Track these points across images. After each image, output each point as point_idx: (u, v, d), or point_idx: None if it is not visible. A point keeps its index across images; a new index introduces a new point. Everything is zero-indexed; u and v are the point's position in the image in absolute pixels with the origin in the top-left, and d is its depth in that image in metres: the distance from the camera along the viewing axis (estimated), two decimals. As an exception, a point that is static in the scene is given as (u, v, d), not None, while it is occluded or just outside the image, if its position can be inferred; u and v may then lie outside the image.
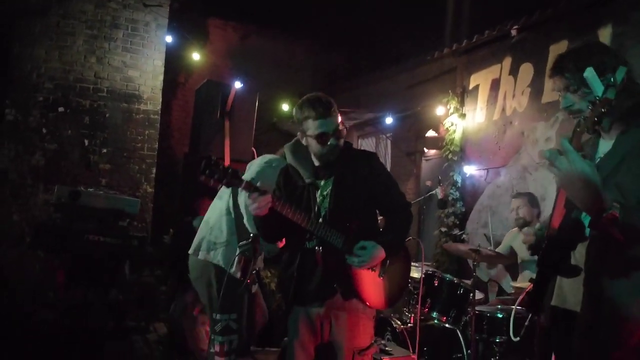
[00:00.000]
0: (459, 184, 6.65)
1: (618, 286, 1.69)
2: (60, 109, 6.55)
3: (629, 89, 1.81)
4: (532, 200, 4.68)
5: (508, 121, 6.07)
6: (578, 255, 1.91)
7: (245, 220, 3.27)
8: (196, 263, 3.54)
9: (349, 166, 2.71)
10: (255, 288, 3.74)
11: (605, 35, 4.96)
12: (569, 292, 2.09)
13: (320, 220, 2.61)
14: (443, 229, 6.63)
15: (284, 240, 2.94)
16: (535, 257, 4.02)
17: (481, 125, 6.47)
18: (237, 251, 3.38)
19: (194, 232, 3.67)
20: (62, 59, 6.58)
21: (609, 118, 1.84)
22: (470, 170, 6.58)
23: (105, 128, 6.75)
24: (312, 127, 2.62)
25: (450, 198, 6.65)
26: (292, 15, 9.21)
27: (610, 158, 1.83)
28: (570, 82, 1.90)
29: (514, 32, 5.93)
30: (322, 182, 2.71)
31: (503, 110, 6.16)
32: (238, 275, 3.41)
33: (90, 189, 5.07)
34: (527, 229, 4.72)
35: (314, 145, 2.66)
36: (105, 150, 6.73)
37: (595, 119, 1.62)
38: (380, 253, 2.60)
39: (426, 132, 7.21)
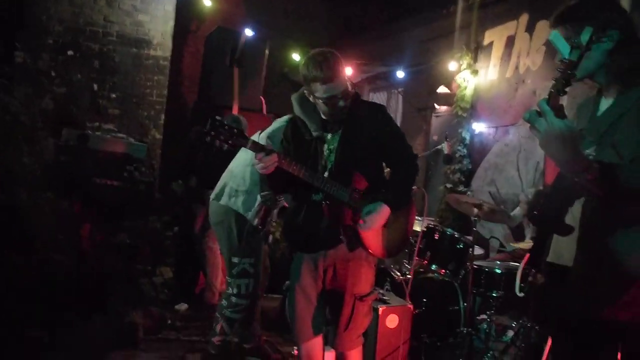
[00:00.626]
0: (467, 141, 6.61)
1: (614, 242, 1.70)
2: (70, 53, 6.52)
3: (628, 49, 1.78)
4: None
5: (521, 79, 5.97)
6: (575, 211, 1.92)
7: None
8: (218, 208, 3.64)
9: (357, 119, 2.71)
10: (269, 239, 3.84)
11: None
12: (564, 248, 2.10)
13: (327, 174, 2.66)
14: (449, 185, 6.63)
15: None
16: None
17: (493, 82, 6.37)
18: (258, 200, 3.46)
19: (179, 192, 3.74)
20: (72, 2, 6.51)
21: (606, 78, 1.83)
22: (480, 127, 6.53)
23: (114, 73, 6.73)
24: (319, 90, 2.60)
25: (457, 155, 6.63)
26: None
27: (607, 117, 1.82)
28: (570, 34, 1.84)
29: (530, -12, 5.76)
30: (330, 136, 2.73)
31: (516, 68, 6.05)
32: (256, 222, 3.49)
33: (98, 133, 5.11)
34: (523, 195, 4.73)
35: (321, 106, 2.67)
36: (114, 95, 6.74)
37: (563, 81, 1.59)
38: (386, 211, 2.65)
39: (438, 88, 7.12)
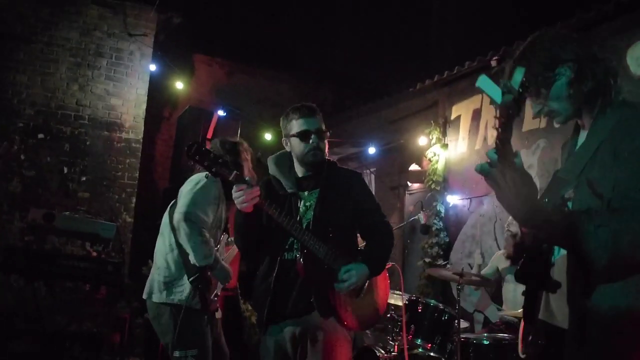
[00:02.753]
0: (442, 214, 6.63)
1: (597, 296, 1.51)
2: (40, 136, 6.45)
3: (587, 72, 1.63)
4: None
5: (490, 150, 6.10)
6: (560, 264, 1.73)
7: (190, 257, 3.15)
8: (151, 305, 3.35)
9: (334, 181, 2.68)
10: (219, 314, 3.59)
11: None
12: (555, 307, 1.85)
13: (304, 226, 2.55)
14: (427, 260, 6.56)
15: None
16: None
17: (463, 154, 6.51)
18: (189, 284, 3.21)
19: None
20: (45, 86, 6.54)
21: (573, 111, 1.68)
22: (454, 200, 6.58)
23: (85, 155, 6.65)
24: (295, 126, 2.62)
25: (433, 228, 6.62)
26: (277, 52, 9.34)
27: (584, 151, 1.66)
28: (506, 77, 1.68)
29: (493, 63, 6.04)
30: (306, 193, 2.66)
31: (485, 139, 6.22)
32: (198, 307, 3.23)
33: (66, 213, 4.94)
34: (507, 235, 4.68)
35: (296, 146, 2.64)
36: (84, 178, 6.61)
37: (499, 130, 1.40)
38: (366, 272, 2.54)
39: (409, 166, 7.24)
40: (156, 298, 3.25)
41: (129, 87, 6.93)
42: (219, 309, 3.52)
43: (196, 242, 3.02)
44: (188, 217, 3.02)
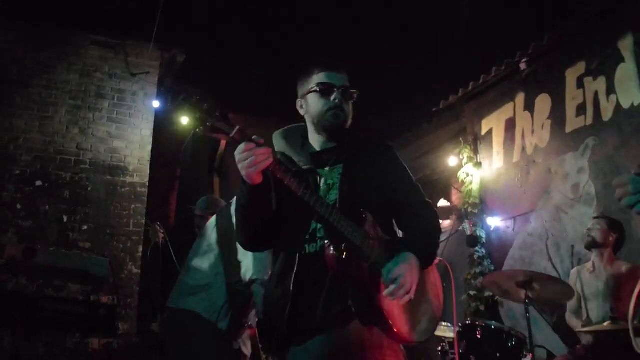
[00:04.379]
0: (484, 240, 5.87)
1: None
2: (38, 183, 5.97)
3: None
4: (613, 225, 3.85)
5: (530, 160, 5.46)
6: None
7: (240, 257, 2.59)
8: (170, 315, 2.81)
9: (360, 154, 2.05)
10: (239, 344, 2.96)
11: (626, 45, 4.51)
12: None
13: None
14: (472, 292, 5.75)
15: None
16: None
17: (500, 170, 5.85)
18: (224, 295, 2.67)
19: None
20: (43, 130, 6.14)
21: None
22: (495, 222, 5.85)
23: (86, 203, 6.13)
24: (315, 80, 2.05)
25: (475, 257, 5.87)
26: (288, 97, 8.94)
27: None
28: None
29: (523, 66, 5.51)
30: (326, 169, 2.03)
31: (523, 149, 5.58)
32: (225, 326, 2.67)
33: (51, 249, 4.32)
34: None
35: (313, 105, 2.04)
36: (86, 227, 6.05)
37: None
38: (415, 264, 1.86)
39: (437, 202, 6.60)
40: (176, 303, 2.86)
41: (133, 128, 6.51)
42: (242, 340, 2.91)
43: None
44: None
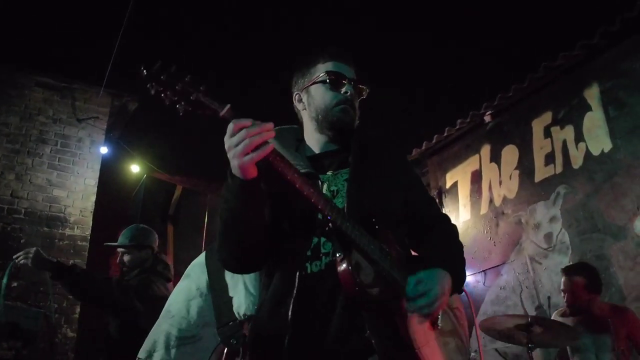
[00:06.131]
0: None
1: None
2: (-38, 233, 5.30)
3: None
4: (591, 282, 3.51)
5: (499, 212, 5.36)
6: None
7: (230, 292, 2.23)
8: None
9: (368, 155, 1.74)
10: None
11: (593, 94, 4.60)
12: None
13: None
14: (443, 353, 5.40)
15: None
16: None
17: (467, 223, 5.71)
18: (215, 342, 2.28)
19: None
20: (-27, 176, 5.53)
21: None
22: (463, 277, 5.62)
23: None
24: (321, 69, 1.75)
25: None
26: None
27: None
28: None
29: (488, 118, 5.53)
30: (329, 174, 1.70)
31: (491, 201, 5.49)
32: None
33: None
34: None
35: (319, 97, 1.73)
36: (15, 284, 5.34)
37: None
38: (447, 280, 1.54)
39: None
40: (158, 357, 2.36)
41: (76, 176, 5.99)
42: None
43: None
44: None
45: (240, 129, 1.34)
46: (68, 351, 5.39)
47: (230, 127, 1.36)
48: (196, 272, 2.47)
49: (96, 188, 6.08)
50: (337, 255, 1.48)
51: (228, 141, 1.37)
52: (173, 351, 2.34)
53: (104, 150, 6.01)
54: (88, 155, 6.11)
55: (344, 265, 1.46)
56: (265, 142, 1.37)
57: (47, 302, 5.42)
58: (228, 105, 1.37)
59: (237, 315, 2.21)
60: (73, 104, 6.20)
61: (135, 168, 6.24)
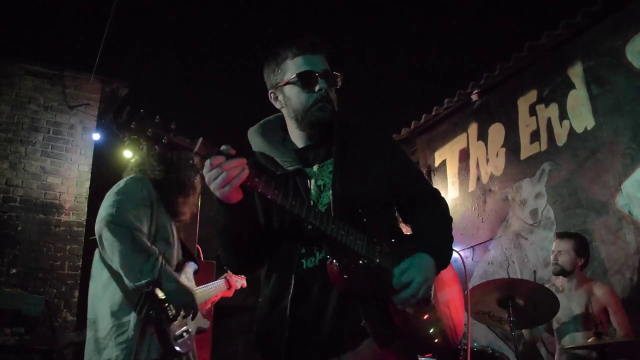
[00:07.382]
0: (443, 271, 5.77)
1: None
2: (-41, 224, 5.37)
3: None
4: (580, 247, 3.74)
5: (487, 189, 5.48)
6: None
7: (124, 275, 2.29)
8: None
9: (352, 143, 1.81)
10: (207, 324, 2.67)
11: (576, 73, 4.68)
12: None
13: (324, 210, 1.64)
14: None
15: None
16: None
17: (456, 200, 5.84)
18: (134, 324, 2.31)
19: None
20: (-33, 165, 5.58)
21: None
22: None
23: (16, 244, 5.55)
24: (291, 67, 1.77)
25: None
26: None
27: None
28: None
29: (475, 97, 5.62)
30: (315, 169, 1.79)
31: (478, 178, 5.61)
32: (158, 355, 2.33)
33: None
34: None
35: (294, 98, 1.77)
36: (14, 271, 5.45)
37: None
38: (431, 265, 1.65)
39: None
40: None
41: (69, 163, 6.05)
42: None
43: (127, 250, 2.26)
44: (111, 219, 2.31)
45: (216, 164, 1.47)
46: (67, 337, 5.50)
47: (207, 163, 1.49)
48: (97, 269, 2.46)
49: (90, 174, 6.14)
50: (327, 256, 1.61)
51: (207, 175, 1.50)
52: (104, 351, 2.31)
53: (96, 136, 6.07)
54: (81, 141, 6.16)
55: (334, 267, 1.59)
56: (242, 170, 1.48)
57: (47, 288, 5.55)
58: (200, 140, 1.47)
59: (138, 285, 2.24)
60: (64, 91, 6.23)
61: (128, 154, 6.29)
